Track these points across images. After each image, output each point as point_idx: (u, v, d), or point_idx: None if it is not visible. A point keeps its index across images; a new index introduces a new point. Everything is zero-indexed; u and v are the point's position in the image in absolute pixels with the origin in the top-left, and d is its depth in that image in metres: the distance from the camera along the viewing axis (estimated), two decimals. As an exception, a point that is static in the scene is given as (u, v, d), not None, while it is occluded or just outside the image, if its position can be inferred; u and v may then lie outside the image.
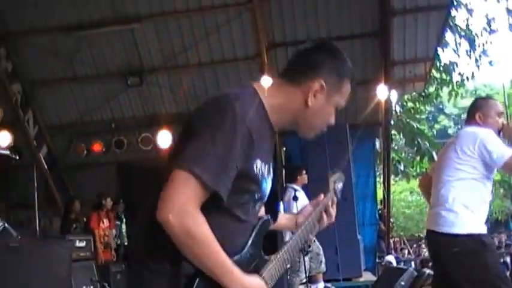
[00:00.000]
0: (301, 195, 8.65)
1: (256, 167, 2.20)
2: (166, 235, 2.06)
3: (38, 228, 8.36)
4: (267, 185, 2.34)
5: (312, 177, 9.49)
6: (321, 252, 8.97)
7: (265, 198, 2.37)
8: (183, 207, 2.02)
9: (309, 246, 8.42)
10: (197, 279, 2.10)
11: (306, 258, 8.39)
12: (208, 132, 2.07)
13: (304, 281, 8.54)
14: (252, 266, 2.25)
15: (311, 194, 9.22)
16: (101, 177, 13.68)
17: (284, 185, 9.74)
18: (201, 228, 2.05)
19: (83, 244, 9.37)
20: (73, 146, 13.11)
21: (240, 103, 2.14)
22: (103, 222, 10.82)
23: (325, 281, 9.57)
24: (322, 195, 2.69)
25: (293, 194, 8.48)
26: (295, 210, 8.41)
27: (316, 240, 8.76)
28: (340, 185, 2.81)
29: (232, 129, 2.08)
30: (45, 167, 13.06)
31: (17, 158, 9.15)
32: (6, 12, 11.74)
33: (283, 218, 2.72)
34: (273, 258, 2.33)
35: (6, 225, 7.43)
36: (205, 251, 2.06)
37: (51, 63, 12.41)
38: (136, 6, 11.44)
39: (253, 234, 2.31)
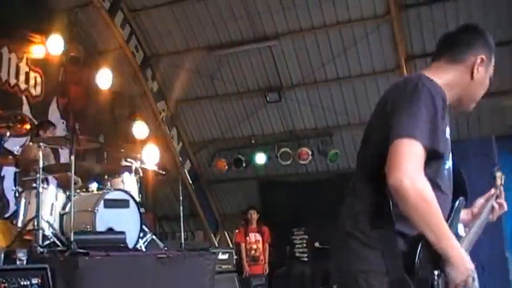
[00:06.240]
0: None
1: (447, 133, 2.48)
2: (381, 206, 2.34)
3: (183, 240, 8.64)
4: (450, 157, 2.56)
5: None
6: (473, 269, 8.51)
7: (451, 171, 2.55)
8: (414, 171, 2.24)
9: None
10: (421, 242, 2.29)
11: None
12: (413, 104, 2.34)
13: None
14: None
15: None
16: (242, 192, 13.98)
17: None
18: (430, 191, 2.26)
19: (225, 257, 9.59)
20: (215, 161, 13.48)
21: (426, 79, 2.45)
22: (249, 236, 10.97)
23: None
24: (492, 189, 2.98)
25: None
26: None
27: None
28: (503, 179, 3.08)
29: (431, 99, 2.36)
30: (189, 181, 13.52)
31: (163, 173, 9.52)
32: (151, 35, 12.39)
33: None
34: (465, 236, 2.60)
35: (153, 237, 7.77)
36: (433, 213, 2.25)
37: (193, 82, 12.92)
38: (274, 24, 11.65)
39: (453, 211, 2.53)
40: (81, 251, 5.81)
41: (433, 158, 2.35)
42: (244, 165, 13.15)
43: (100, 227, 6.77)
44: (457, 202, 2.58)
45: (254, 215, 11.17)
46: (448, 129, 2.48)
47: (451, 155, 2.57)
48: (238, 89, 12.80)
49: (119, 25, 11.87)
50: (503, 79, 11.11)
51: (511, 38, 10.78)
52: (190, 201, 13.60)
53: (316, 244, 11.49)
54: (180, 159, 13.26)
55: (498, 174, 3.11)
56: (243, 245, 10.81)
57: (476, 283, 8.18)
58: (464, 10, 10.67)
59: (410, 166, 2.24)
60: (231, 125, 13.40)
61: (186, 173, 13.49)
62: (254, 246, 10.92)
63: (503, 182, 3.09)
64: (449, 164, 2.54)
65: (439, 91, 2.42)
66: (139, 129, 12.42)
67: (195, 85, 13.00)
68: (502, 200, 2.95)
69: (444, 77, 2.56)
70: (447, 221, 2.43)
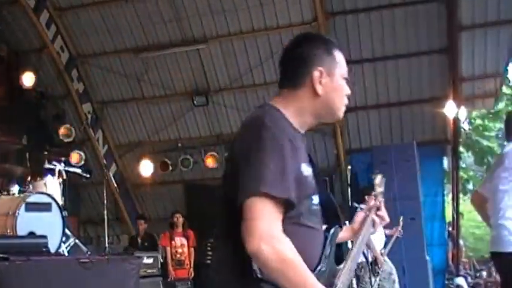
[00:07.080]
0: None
1: (304, 170, 2.27)
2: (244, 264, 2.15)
3: (107, 244, 8.53)
4: (315, 186, 2.37)
5: (379, 196, 9.33)
6: (394, 271, 8.71)
7: (319, 201, 2.38)
8: (271, 233, 2.07)
9: (379, 267, 8.25)
10: None
11: (377, 279, 8.22)
12: (255, 155, 2.14)
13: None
14: (328, 277, 2.30)
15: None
16: (168, 195, 13.89)
17: (351, 205, 9.55)
18: (292, 252, 2.09)
19: (150, 261, 9.53)
20: (141, 164, 13.33)
21: (268, 119, 2.24)
22: (174, 240, 10.92)
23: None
24: (372, 201, 2.89)
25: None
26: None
27: (388, 260, 8.58)
28: (383, 187, 3.00)
29: (274, 143, 2.16)
30: (114, 185, 13.34)
31: (88, 176, 9.38)
32: (77, 36, 12.18)
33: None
34: (342, 266, 2.42)
35: (76, 241, 7.64)
36: (297, 274, 2.09)
37: (120, 84, 12.77)
38: (202, 28, 11.66)
39: (327, 245, 2.37)
40: (1, 255, 5.65)
41: (292, 206, 2.17)
42: (170, 168, 13.08)
43: (21, 231, 6.61)
44: (330, 232, 2.44)
45: (180, 219, 11.14)
46: (305, 165, 2.29)
47: (314, 180, 2.38)
48: (166, 92, 12.73)
49: (44, 24, 11.60)
50: (422, 88, 11.55)
51: (432, 48, 11.18)
52: (116, 204, 13.41)
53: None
54: (105, 162, 13.07)
55: (377, 180, 3.02)
56: (168, 249, 10.78)
57: (397, 285, 8.45)
58: (389, 19, 11.00)
59: (264, 228, 2.07)
60: (157, 128, 13.30)
61: (111, 176, 13.29)
62: (179, 250, 10.89)
63: (383, 187, 3.00)
64: (316, 199, 2.35)
65: (285, 129, 2.26)
66: (64, 130, 12.19)
67: (122, 87, 12.85)
68: (382, 212, 2.83)
69: (293, 105, 2.39)
70: (320, 255, 2.33)
